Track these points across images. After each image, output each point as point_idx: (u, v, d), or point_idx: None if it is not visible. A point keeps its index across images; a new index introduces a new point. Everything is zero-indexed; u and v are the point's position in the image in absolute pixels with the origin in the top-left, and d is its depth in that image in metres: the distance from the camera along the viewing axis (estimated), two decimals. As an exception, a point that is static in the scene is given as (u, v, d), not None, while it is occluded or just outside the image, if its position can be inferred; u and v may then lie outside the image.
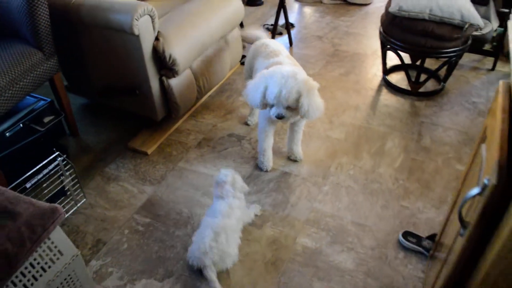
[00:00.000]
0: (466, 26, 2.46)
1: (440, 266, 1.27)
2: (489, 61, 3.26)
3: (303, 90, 1.84)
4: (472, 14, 2.46)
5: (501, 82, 1.05)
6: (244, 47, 3.39)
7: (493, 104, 1.04)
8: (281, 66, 1.91)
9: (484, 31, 3.19)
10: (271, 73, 1.88)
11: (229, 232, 1.75)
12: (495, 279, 0.87)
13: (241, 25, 3.75)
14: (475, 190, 0.85)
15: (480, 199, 0.85)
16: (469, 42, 2.64)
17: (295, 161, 2.31)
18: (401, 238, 1.88)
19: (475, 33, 3.13)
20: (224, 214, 1.79)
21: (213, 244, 1.69)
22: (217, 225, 1.74)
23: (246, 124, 2.60)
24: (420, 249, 1.83)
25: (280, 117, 1.89)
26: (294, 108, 1.89)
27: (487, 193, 0.81)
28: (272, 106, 1.90)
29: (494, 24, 3.32)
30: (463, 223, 0.92)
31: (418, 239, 1.86)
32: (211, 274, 1.68)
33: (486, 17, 3.45)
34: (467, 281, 1.01)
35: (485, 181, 0.81)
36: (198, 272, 1.74)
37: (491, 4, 3.45)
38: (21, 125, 2.12)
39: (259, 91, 1.89)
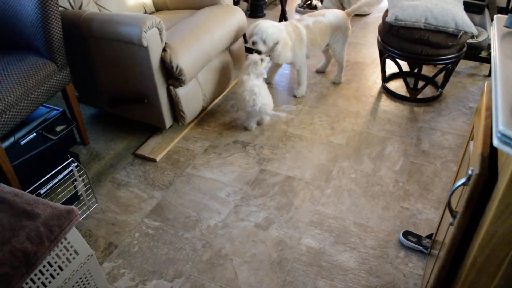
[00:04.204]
0: (461, 34, 2.55)
1: (434, 260, 1.34)
2: (485, 68, 3.35)
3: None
4: (465, 22, 2.54)
5: (486, 83, 1.14)
6: (247, 57, 3.49)
7: (479, 103, 1.12)
8: None
9: (480, 39, 3.28)
10: None
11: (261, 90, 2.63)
12: (481, 263, 0.93)
13: (244, 37, 3.85)
14: (461, 181, 0.93)
15: (466, 189, 0.93)
16: (465, 49, 2.72)
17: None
18: (401, 237, 1.94)
19: (471, 40, 3.21)
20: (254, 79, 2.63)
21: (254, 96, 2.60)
22: (251, 87, 2.60)
23: (295, 96, 3.06)
24: (420, 247, 1.89)
25: None
26: None
27: (472, 182, 0.89)
28: None
29: (490, 31, 3.40)
30: (452, 212, 1.00)
31: (418, 238, 1.92)
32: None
33: (481, 25, 3.54)
34: (458, 271, 1.08)
35: (470, 172, 0.89)
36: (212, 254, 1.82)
37: (486, 12, 3.54)
38: (34, 133, 2.21)
39: None
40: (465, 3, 2.87)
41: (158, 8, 3.01)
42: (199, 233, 2.01)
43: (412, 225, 2.03)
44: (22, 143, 2.15)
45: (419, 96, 2.94)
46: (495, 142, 0.73)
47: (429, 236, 1.92)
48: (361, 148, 2.52)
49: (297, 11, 4.65)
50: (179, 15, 2.80)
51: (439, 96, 2.99)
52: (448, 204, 0.99)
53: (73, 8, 2.45)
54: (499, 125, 0.73)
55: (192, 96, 2.50)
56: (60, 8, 2.33)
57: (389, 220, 2.05)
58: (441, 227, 1.43)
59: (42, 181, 1.98)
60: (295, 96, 3.04)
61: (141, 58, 2.22)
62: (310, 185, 2.27)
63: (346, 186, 2.26)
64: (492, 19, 3.55)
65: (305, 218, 2.08)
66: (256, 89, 2.59)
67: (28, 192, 1.88)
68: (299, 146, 2.55)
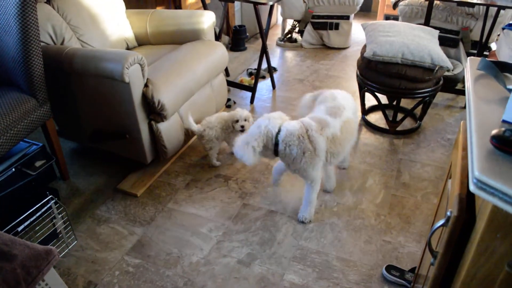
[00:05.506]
0: (437, 68, 2.63)
1: (418, 296, 1.34)
2: (461, 99, 3.44)
3: None
4: (441, 57, 2.62)
5: (462, 122, 1.17)
6: (228, 90, 3.53)
7: (456, 141, 1.15)
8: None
9: (455, 72, 3.38)
10: None
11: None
12: (463, 304, 0.94)
13: (226, 71, 3.90)
14: (440, 222, 0.94)
15: (445, 230, 0.94)
16: (441, 82, 2.80)
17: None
18: (384, 272, 1.94)
19: (447, 73, 3.31)
20: None
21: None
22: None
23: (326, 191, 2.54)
24: (403, 282, 1.89)
25: None
26: None
27: (450, 224, 0.90)
28: None
29: (465, 64, 3.52)
30: (432, 252, 1.01)
31: (401, 272, 1.92)
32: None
33: (457, 58, 3.66)
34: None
35: (448, 213, 0.91)
36: None
37: (461, 46, 3.67)
38: (13, 169, 2.17)
39: None
40: (440, 37, 2.97)
41: (140, 43, 3.04)
42: (181, 271, 1.98)
43: (394, 258, 2.03)
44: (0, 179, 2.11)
45: (398, 128, 2.99)
46: (472, 188, 0.75)
47: (412, 270, 1.93)
48: (342, 181, 2.54)
49: (277, 45, 4.74)
50: (161, 50, 2.83)
51: (418, 128, 3.06)
52: (429, 245, 1.00)
53: (55, 43, 2.46)
54: (475, 171, 0.74)
55: (174, 130, 2.50)
56: (42, 44, 2.33)
57: (371, 254, 2.06)
58: (424, 262, 1.44)
59: (22, 218, 1.93)
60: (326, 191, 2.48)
61: (122, 93, 2.22)
62: (293, 219, 2.27)
63: (328, 220, 2.26)
64: (466, 52, 3.68)
65: (288, 253, 2.07)
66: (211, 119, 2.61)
67: (5, 230, 1.84)
68: (280, 179, 2.55)
